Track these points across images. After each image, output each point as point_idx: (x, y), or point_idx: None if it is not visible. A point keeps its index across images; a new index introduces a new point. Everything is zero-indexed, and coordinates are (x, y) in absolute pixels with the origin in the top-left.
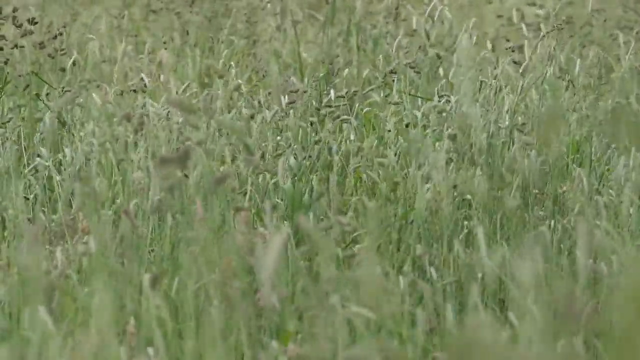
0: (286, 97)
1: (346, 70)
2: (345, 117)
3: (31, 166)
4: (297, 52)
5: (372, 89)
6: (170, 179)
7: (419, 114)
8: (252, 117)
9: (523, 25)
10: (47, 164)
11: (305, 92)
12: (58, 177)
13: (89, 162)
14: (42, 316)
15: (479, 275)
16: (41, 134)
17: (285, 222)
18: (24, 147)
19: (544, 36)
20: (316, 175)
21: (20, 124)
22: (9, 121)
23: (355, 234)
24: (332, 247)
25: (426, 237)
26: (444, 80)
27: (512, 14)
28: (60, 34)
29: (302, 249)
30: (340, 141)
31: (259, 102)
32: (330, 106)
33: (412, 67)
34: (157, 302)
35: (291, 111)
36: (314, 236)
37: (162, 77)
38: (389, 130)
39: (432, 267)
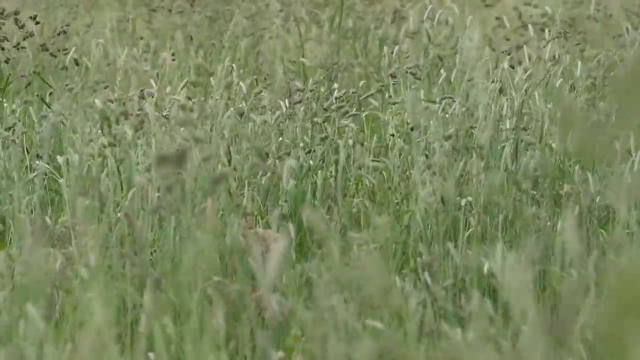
0: (287, 101)
1: (346, 74)
2: (353, 112)
3: (37, 172)
4: (300, 54)
5: (371, 94)
6: (169, 178)
7: (421, 117)
8: (241, 115)
9: (530, 27)
10: (47, 166)
11: (311, 90)
12: (61, 180)
13: (90, 163)
14: (37, 318)
15: (480, 277)
16: (38, 133)
17: (288, 222)
18: (26, 149)
19: (549, 42)
20: (321, 172)
21: (25, 130)
22: (13, 126)
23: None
24: (336, 239)
25: (427, 239)
26: (446, 82)
27: (514, 15)
28: (64, 31)
29: (310, 264)
30: (344, 144)
31: (256, 96)
32: (332, 105)
33: (412, 74)
34: (158, 305)
35: (300, 109)
36: (318, 228)
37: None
38: (392, 135)
39: (427, 271)
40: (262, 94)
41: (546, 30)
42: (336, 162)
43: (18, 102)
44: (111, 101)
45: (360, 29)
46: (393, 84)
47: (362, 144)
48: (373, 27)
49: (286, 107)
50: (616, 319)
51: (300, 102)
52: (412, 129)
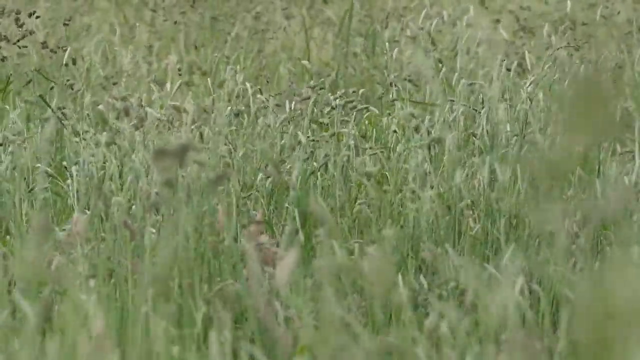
0: (292, 103)
1: (350, 76)
2: (360, 107)
3: (42, 184)
4: (305, 56)
5: (367, 107)
6: (167, 172)
7: (424, 121)
8: (237, 114)
9: (535, 28)
10: (49, 170)
11: (322, 88)
12: (65, 183)
13: (92, 164)
14: (32, 318)
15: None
16: (37, 133)
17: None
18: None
19: (555, 50)
20: (323, 174)
21: (30, 135)
22: (21, 132)
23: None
24: (344, 233)
25: (431, 239)
26: (447, 85)
27: (513, 18)
28: (66, 24)
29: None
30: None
31: (255, 97)
32: (337, 101)
33: (410, 81)
34: (160, 308)
35: (306, 110)
36: (327, 222)
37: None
38: (395, 131)
39: (427, 273)
40: (266, 98)
41: (552, 36)
42: (343, 165)
43: (19, 103)
44: (116, 99)
45: (367, 30)
46: (396, 91)
47: (363, 136)
48: (378, 28)
49: (291, 109)
50: (597, 325)
51: (308, 98)
52: (416, 129)
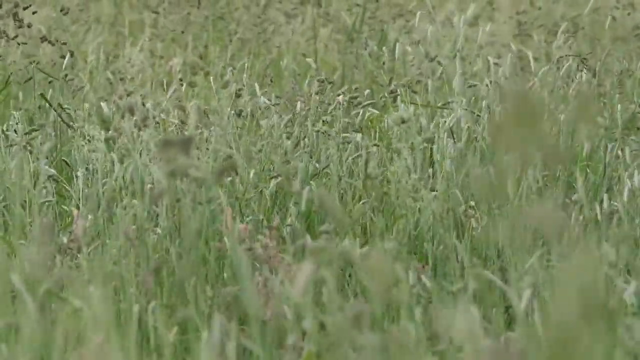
0: (298, 104)
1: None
2: (366, 102)
3: (46, 186)
4: (313, 57)
5: (371, 103)
6: (172, 163)
7: (425, 123)
8: (239, 114)
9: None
10: (53, 171)
11: (330, 82)
12: (72, 185)
13: (97, 160)
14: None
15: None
16: (39, 128)
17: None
18: (30, 152)
19: (559, 58)
20: (326, 176)
21: (33, 136)
22: (29, 133)
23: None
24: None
25: (436, 237)
26: (447, 87)
27: (514, 22)
28: (66, 13)
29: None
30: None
31: (268, 99)
32: (344, 98)
33: (409, 87)
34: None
35: (312, 109)
36: (333, 211)
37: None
38: (398, 123)
39: (425, 275)
40: (269, 99)
41: (560, 39)
42: (348, 166)
43: (20, 105)
44: (120, 97)
45: (380, 35)
46: (395, 98)
47: (359, 130)
48: (384, 29)
49: (296, 112)
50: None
51: (318, 92)
52: (419, 131)
